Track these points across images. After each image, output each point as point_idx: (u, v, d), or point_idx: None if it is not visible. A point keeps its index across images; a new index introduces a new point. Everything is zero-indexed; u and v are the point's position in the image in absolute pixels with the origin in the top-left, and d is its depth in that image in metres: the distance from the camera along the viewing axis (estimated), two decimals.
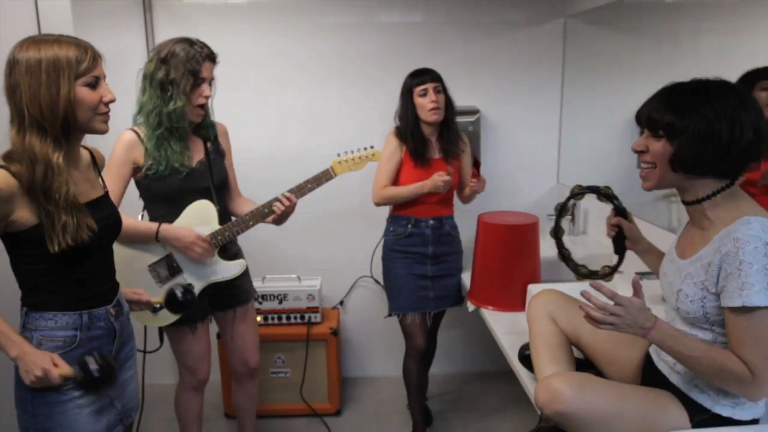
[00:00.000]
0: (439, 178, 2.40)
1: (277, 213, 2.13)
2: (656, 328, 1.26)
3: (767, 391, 1.22)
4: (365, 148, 2.25)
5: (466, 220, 2.70)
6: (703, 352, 1.24)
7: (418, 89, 2.45)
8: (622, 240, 1.76)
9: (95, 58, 1.38)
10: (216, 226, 2.12)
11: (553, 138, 3.21)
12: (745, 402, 1.30)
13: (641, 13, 2.62)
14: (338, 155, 2.22)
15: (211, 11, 2.96)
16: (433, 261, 2.58)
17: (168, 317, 2.07)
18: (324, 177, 2.20)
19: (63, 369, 1.40)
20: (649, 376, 1.46)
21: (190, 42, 2.02)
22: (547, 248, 2.69)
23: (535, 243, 2.32)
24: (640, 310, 1.26)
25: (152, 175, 2.02)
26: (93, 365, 1.41)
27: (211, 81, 2.08)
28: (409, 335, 2.61)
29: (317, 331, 2.94)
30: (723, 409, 1.29)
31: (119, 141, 2.02)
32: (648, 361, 1.50)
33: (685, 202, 1.35)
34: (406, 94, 2.50)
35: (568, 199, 1.91)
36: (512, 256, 2.28)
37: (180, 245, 2.04)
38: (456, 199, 2.70)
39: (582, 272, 1.98)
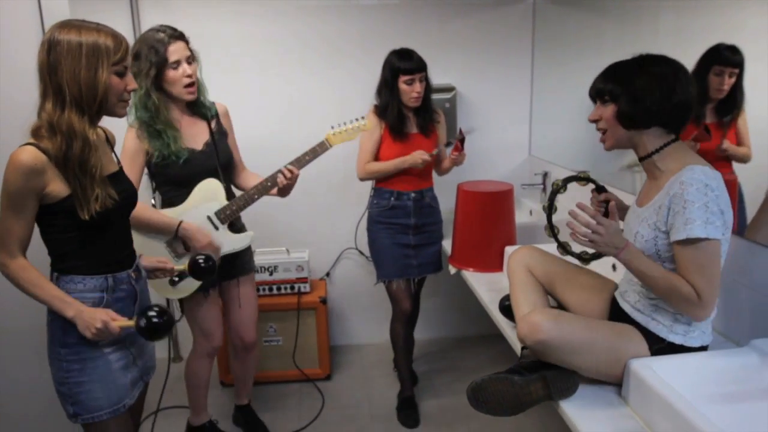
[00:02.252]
0: (419, 156, 2.57)
1: (281, 185, 2.28)
2: (626, 249, 1.47)
3: (710, 312, 1.43)
4: (356, 119, 2.41)
5: (445, 191, 2.88)
6: (662, 273, 1.45)
7: (406, 77, 2.57)
8: (608, 216, 1.92)
9: (127, 49, 1.51)
10: (224, 202, 2.28)
11: (525, 112, 3.40)
12: (694, 331, 1.50)
13: None
14: (332, 127, 2.37)
15: None
16: (415, 231, 2.76)
17: (187, 289, 2.24)
18: (320, 148, 2.33)
19: (120, 321, 1.54)
20: (615, 316, 1.66)
21: (155, 30, 2.11)
22: (521, 215, 2.88)
23: (510, 208, 2.51)
24: (616, 231, 1.47)
25: (160, 163, 2.16)
26: (152, 313, 1.54)
27: (189, 59, 2.15)
28: (396, 300, 2.79)
29: (307, 300, 3.10)
30: (676, 338, 1.50)
31: (129, 133, 2.14)
32: (614, 304, 1.70)
33: (640, 159, 1.56)
34: (391, 76, 2.60)
35: (553, 196, 2.00)
36: (490, 221, 2.46)
37: (196, 246, 2.18)
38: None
39: (584, 257, 2.08)
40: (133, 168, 2.13)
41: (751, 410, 1.40)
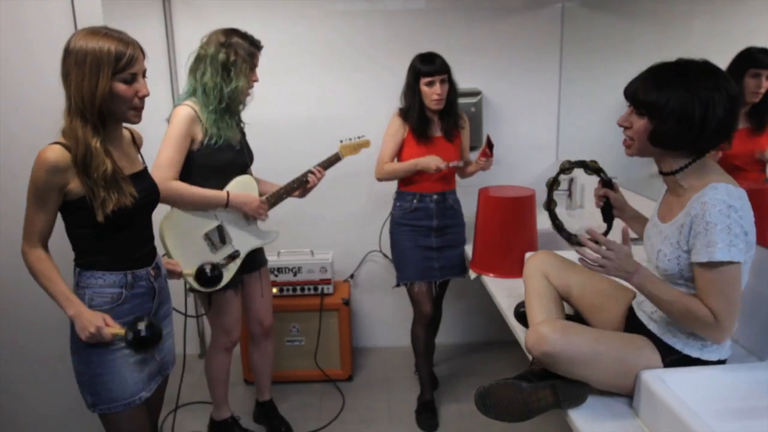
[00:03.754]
0: (433, 162, 2.58)
1: (312, 184, 2.45)
2: (638, 273, 1.44)
3: (728, 335, 1.39)
4: (358, 137, 2.61)
5: (468, 195, 2.87)
6: (676, 296, 1.41)
7: (426, 79, 2.59)
8: (609, 209, 1.91)
9: (136, 53, 1.53)
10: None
11: (552, 117, 3.36)
12: (711, 345, 1.47)
13: None
14: (341, 141, 2.57)
15: (226, 2, 3.11)
16: (438, 233, 2.76)
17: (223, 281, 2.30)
18: (334, 158, 2.55)
19: (113, 328, 1.59)
20: (631, 325, 1.63)
21: (240, 32, 2.24)
22: (544, 221, 2.85)
23: (531, 214, 2.48)
24: (626, 256, 1.44)
25: (212, 147, 2.22)
26: (141, 326, 1.58)
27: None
28: (417, 303, 2.80)
29: (330, 302, 3.13)
30: (692, 351, 1.46)
31: (177, 115, 2.19)
32: (630, 312, 1.67)
33: (661, 173, 1.52)
34: (414, 79, 2.63)
35: (558, 174, 2.05)
36: (511, 227, 2.45)
37: (248, 209, 2.31)
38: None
39: (574, 241, 2.13)
40: (180, 150, 2.19)
41: (765, 428, 1.36)
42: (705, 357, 1.47)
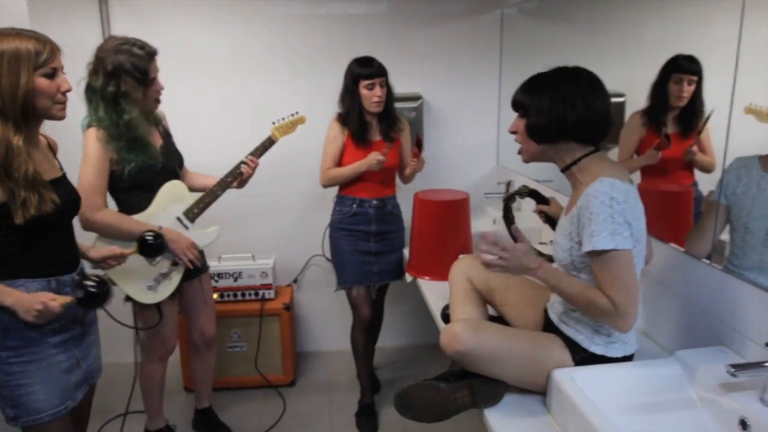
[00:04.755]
0: (373, 158, 2.59)
1: (246, 174, 2.40)
2: (541, 268, 1.49)
3: (631, 322, 1.42)
4: (292, 114, 2.58)
5: (409, 199, 2.87)
6: (578, 288, 1.46)
7: (366, 82, 2.60)
8: (553, 222, 1.97)
9: (53, 50, 1.52)
10: (189, 202, 2.34)
11: (493, 122, 3.42)
12: (615, 342, 1.52)
13: (572, 4, 2.81)
14: (273, 122, 2.53)
15: (165, 3, 3.07)
16: (377, 238, 2.77)
17: (166, 291, 2.29)
18: (268, 142, 2.51)
19: (60, 299, 1.56)
20: (548, 326, 1.67)
21: (129, 45, 2.09)
22: (478, 224, 2.90)
23: (466, 217, 2.52)
24: (525, 254, 1.49)
25: (131, 171, 2.16)
26: (89, 283, 1.57)
27: (157, 73, 2.21)
28: (355, 306, 2.81)
29: (271, 307, 3.11)
30: (597, 348, 1.51)
31: (89, 138, 2.11)
32: (547, 314, 1.71)
33: (561, 170, 1.57)
34: (352, 83, 2.64)
35: (514, 194, 2.05)
36: (445, 230, 2.48)
37: (176, 247, 2.23)
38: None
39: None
40: (101, 174, 2.13)
41: (669, 420, 1.41)
42: (610, 354, 1.51)
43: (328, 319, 3.54)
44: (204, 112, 3.18)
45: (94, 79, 2.09)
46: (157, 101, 2.24)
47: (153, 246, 1.95)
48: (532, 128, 1.52)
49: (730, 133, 1.65)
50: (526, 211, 3.04)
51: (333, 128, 2.72)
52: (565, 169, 1.56)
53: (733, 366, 1.26)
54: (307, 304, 3.53)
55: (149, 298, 2.28)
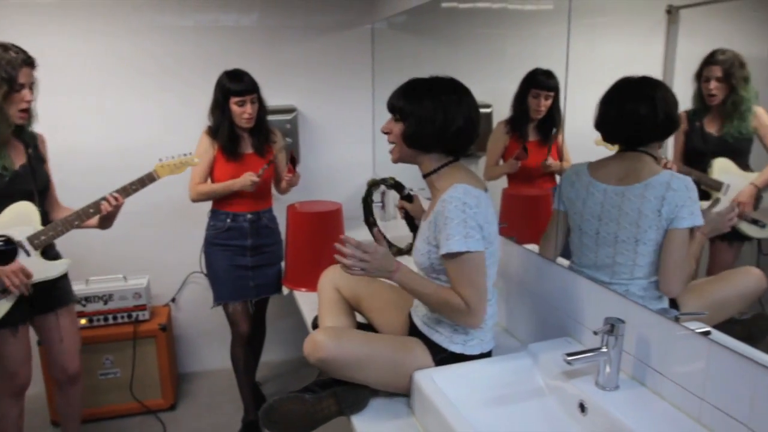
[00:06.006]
0: (248, 178, 2.56)
1: (104, 212, 2.20)
2: (399, 271, 1.54)
3: (481, 319, 1.52)
4: (185, 154, 2.41)
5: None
6: (433, 289, 1.53)
7: (236, 99, 2.56)
8: (411, 219, 2.04)
9: None
10: (38, 227, 2.16)
11: (368, 134, 3.49)
12: (473, 340, 1.60)
13: (438, 19, 2.93)
14: (160, 159, 2.35)
15: (22, 11, 2.88)
16: (252, 252, 2.74)
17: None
18: (148, 179, 2.32)
19: None
20: (412, 330, 1.73)
21: (4, 47, 2.01)
22: (360, 233, 2.93)
23: (339, 228, 2.56)
24: (384, 257, 1.53)
25: None
26: None
27: (31, 85, 2.09)
28: (233, 322, 2.75)
29: (145, 329, 2.98)
30: (456, 347, 1.58)
31: None
32: (411, 318, 1.77)
33: (423, 176, 1.64)
34: (222, 97, 2.59)
35: (368, 189, 2.09)
36: (319, 241, 2.50)
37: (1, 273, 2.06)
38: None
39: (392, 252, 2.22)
40: None
41: (521, 410, 1.51)
42: (468, 352, 1.59)
43: (209, 337, 3.44)
44: (64, 127, 3.00)
45: None
46: (22, 114, 2.08)
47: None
48: (411, 135, 1.56)
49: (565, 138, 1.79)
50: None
51: (203, 142, 2.66)
52: (426, 176, 1.62)
53: (569, 355, 1.37)
54: (188, 323, 3.42)
55: None
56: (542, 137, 2.20)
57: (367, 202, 2.17)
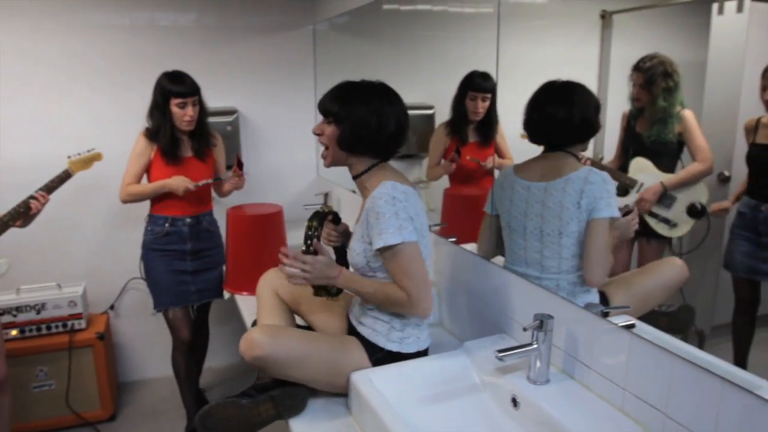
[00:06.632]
0: (184, 184, 2.53)
1: (35, 210, 2.25)
2: (341, 275, 1.56)
3: (427, 307, 1.54)
4: (88, 150, 2.50)
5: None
6: (376, 287, 1.56)
7: (177, 101, 2.51)
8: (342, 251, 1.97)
9: None
10: None
11: (310, 134, 3.46)
12: (409, 338, 1.62)
13: (378, 21, 2.94)
14: (69, 156, 2.37)
15: None
16: (193, 257, 2.69)
17: None
18: (65, 175, 2.38)
19: None
20: (351, 330, 1.74)
21: None
22: (293, 237, 2.91)
23: (280, 230, 2.54)
24: (325, 265, 1.55)
25: None
26: None
27: None
28: (174, 329, 2.70)
29: (82, 338, 2.89)
30: (393, 346, 1.60)
31: None
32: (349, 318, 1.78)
33: (353, 177, 1.66)
34: (162, 99, 2.53)
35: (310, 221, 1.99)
36: (259, 244, 2.48)
37: None
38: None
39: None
40: None
41: (457, 407, 1.53)
42: (405, 350, 1.61)
43: (151, 344, 3.36)
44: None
45: None
46: None
47: None
48: (345, 139, 1.57)
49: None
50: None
51: (140, 143, 2.60)
52: (356, 177, 1.64)
53: (500, 351, 1.40)
54: (128, 331, 3.33)
55: None
56: (482, 138, 2.24)
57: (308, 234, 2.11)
